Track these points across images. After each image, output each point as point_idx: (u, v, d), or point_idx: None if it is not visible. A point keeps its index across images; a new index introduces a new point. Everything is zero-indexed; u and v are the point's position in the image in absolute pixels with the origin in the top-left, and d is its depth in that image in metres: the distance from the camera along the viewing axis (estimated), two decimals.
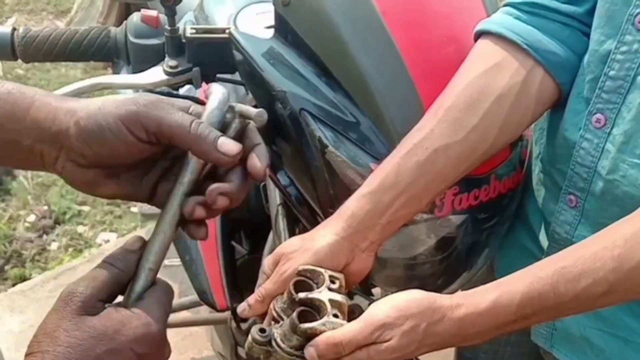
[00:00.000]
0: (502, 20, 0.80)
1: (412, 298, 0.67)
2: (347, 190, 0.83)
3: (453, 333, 0.67)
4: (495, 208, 0.90)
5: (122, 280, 0.56)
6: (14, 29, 1.04)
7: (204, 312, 1.63)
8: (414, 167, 0.76)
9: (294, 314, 0.67)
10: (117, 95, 0.52)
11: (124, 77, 1.01)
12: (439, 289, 0.94)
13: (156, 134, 0.55)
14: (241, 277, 1.23)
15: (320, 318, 0.67)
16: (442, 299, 0.67)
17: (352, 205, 0.77)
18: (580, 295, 0.65)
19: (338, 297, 0.70)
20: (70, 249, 2.45)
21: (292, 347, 0.67)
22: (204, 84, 1.03)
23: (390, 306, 0.67)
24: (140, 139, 0.55)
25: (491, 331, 0.68)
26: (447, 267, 0.91)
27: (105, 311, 0.54)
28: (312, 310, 0.69)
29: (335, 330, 0.66)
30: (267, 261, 0.79)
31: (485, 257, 0.94)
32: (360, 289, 0.94)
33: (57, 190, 2.71)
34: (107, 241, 2.47)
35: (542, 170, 0.88)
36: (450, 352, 1.17)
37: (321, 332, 0.66)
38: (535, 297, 0.65)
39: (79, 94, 0.98)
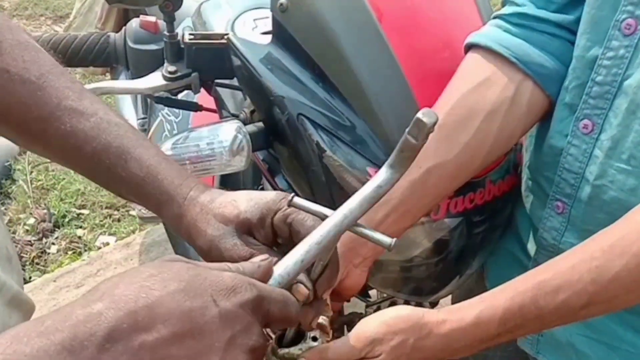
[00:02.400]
0: (491, 33, 0.81)
1: (400, 314, 0.69)
2: (344, 194, 0.84)
3: (440, 348, 0.68)
4: (490, 211, 0.91)
5: None
6: None
7: None
8: (407, 185, 0.77)
9: (274, 338, 0.68)
10: (223, 236, 0.62)
11: (124, 83, 1.03)
12: (433, 292, 0.95)
13: None
14: None
15: (302, 340, 0.68)
16: (429, 315, 0.69)
17: None
18: (560, 307, 0.66)
19: (320, 319, 0.71)
20: (70, 252, 2.46)
21: None
22: (202, 89, 1.05)
23: (379, 322, 0.68)
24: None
25: (477, 345, 0.69)
26: (442, 270, 0.92)
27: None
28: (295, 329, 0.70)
29: (325, 346, 0.67)
30: None
31: (479, 260, 0.95)
32: (358, 292, 0.95)
33: (56, 193, 2.71)
34: (107, 244, 2.48)
35: (529, 177, 0.89)
36: None
37: (298, 356, 0.67)
38: (516, 311, 0.66)
39: None
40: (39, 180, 2.78)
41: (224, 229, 0.61)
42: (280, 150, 0.93)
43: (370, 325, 0.68)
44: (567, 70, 0.79)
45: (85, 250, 2.47)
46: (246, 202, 0.62)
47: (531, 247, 0.88)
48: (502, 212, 0.94)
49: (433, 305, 1.03)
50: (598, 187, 0.76)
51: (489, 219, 0.92)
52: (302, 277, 0.58)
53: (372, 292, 1.12)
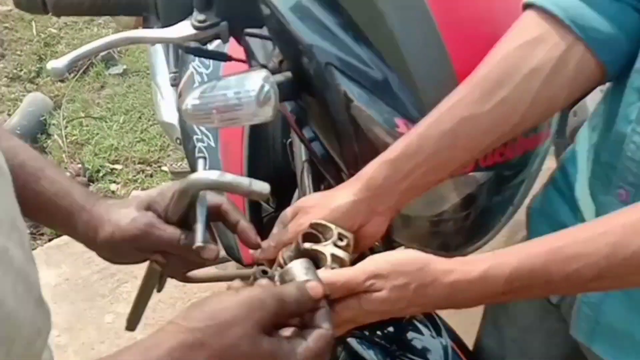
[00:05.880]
0: None
1: (407, 257, 0.68)
2: (371, 146, 0.83)
3: (442, 297, 0.67)
4: (520, 165, 0.89)
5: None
6: None
7: (231, 267, 1.65)
8: (438, 137, 0.75)
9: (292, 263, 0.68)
10: (124, 215, 0.76)
11: (152, 32, 1.02)
12: (461, 247, 0.94)
13: (156, 248, 0.77)
14: (267, 233, 1.24)
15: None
16: (436, 262, 0.68)
17: (371, 170, 0.77)
18: (571, 276, 0.64)
19: (341, 253, 0.72)
20: None
21: None
22: (232, 40, 1.04)
23: (385, 260, 0.68)
24: (144, 252, 0.77)
25: (479, 299, 0.69)
26: (470, 225, 0.91)
27: (277, 339, 0.60)
28: (314, 261, 0.70)
29: (329, 271, 0.68)
30: (287, 211, 0.81)
31: (508, 216, 0.94)
32: (382, 246, 0.94)
33: (90, 148, 2.75)
34: None
35: (594, 159, 0.84)
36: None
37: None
38: (525, 273, 0.65)
39: (110, 47, 0.99)
40: (74, 135, 2.82)
41: (131, 213, 0.75)
42: (308, 100, 0.92)
43: (377, 261, 0.68)
44: (627, 38, 0.74)
45: None
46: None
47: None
48: (533, 166, 0.92)
49: None
50: None
51: (519, 173, 0.90)
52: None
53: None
